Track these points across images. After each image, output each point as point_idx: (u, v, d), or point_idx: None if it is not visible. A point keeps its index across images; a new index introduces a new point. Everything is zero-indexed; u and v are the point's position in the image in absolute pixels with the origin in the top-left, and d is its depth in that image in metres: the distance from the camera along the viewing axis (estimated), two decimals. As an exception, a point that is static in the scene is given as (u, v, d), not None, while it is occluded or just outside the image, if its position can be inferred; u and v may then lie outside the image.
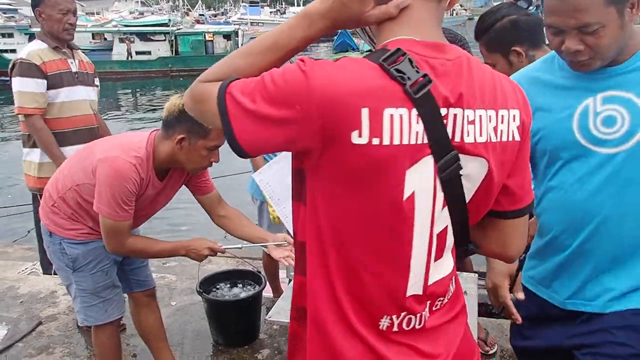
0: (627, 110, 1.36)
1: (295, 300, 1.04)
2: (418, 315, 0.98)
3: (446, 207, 0.95)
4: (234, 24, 34.20)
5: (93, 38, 26.42)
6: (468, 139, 0.92)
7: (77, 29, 3.21)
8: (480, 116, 0.93)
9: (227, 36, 26.59)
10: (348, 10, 0.91)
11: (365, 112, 0.83)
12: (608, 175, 1.39)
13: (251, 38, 33.90)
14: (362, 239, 0.92)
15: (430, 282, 0.98)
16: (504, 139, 0.97)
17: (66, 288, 2.52)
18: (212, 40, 25.78)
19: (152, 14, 34.15)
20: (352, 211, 0.91)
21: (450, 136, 0.91)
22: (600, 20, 1.28)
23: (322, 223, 0.93)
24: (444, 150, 0.90)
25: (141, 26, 27.19)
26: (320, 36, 0.97)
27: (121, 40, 25.45)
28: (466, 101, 0.91)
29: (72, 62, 3.15)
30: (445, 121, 0.90)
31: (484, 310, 2.96)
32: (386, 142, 0.85)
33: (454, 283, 1.05)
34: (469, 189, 0.96)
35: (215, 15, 48.43)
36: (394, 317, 0.96)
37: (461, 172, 0.93)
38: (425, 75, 0.87)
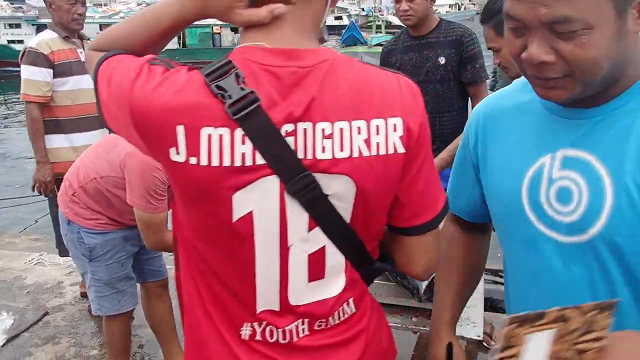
0: (585, 182, 0.90)
1: (178, 290, 1.04)
2: (281, 330, 0.93)
3: (317, 228, 0.88)
4: (241, 17, 34.05)
5: (100, 29, 26.45)
6: (324, 155, 0.83)
7: (85, 21, 3.23)
8: (342, 129, 0.84)
9: (234, 29, 26.50)
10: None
11: (180, 130, 0.80)
12: (555, 277, 0.96)
13: (258, 31, 33.85)
14: (206, 250, 0.91)
15: (299, 302, 0.92)
16: (382, 152, 0.86)
17: (81, 276, 2.54)
18: (219, 33, 25.75)
19: (161, 5, 34.06)
20: (191, 223, 0.90)
21: (302, 154, 0.83)
22: (586, 17, 0.79)
23: (181, 225, 0.94)
24: (292, 170, 0.83)
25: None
26: (194, 20, 0.91)
27: (128, 32, 25.38)
28: (319, 113, 0.83)
29: (81, 52, 3.18)
30: (292, 138, 0.82)
31: (490, 305, 2.95)
32: (204, 162, 0.80)
33: (351, 306, 0.97)
34: (345, 209, 0.88)
35: (222, 8, 48.21)
36: (255, 324, 0.93)
37: (327, 192, 0.85)
38: (251, 92, 0.80)
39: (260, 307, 0.92)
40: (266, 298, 0.91)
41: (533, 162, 0.97)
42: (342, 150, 0.84)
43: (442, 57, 2.59)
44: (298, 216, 0.86)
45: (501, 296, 2.17)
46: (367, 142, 0.85)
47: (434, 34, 2.64)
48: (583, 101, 0.90)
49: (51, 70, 3.03)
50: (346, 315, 0.97)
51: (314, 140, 0.83)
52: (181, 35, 25.34)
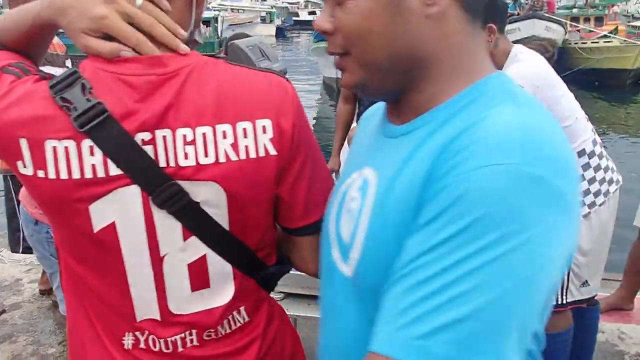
0: (358, 203, 0.77)
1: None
2: (163, 340, 0.91)
3: (194, 237, 0.86)
4: (214, 10, 33.77)
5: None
6: (187, 162, 0.81)
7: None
8: (204, 134, 0.81)
9: (206, 22, 26.10)
10: (69, 15, 0.81)
11: (24, 143, 0.79)
12: (338, 315, 0.83)
13: (230, 25, 33.62)
14: (75, 263, 0.89)
15: (182, 311, 0.90)
16: (252, 155, 0.84)
17: (49, 276, 2.52)
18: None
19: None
20: (58, 237, 0.89)
21: (163, 162, 0.81)
22: None
23: (56, 240, 0.93)
24: (154, 179, 0.81)
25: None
26: (48, 33, 0.90)
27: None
28: (178, 119, 0.81)
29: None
30: (151, 146, 0.80)
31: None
32: (52, 175, 0.79)
33: (243, 314, 0.95)
34: (220, 215, 0.85)
35: (195, 1, 47.83)
36: (137, 333, 0.91)
37: (196, 199, 0.83)
38: (99, 103, 0.78)
39: (140, 316, 0.90)
40: (144, 308, 0.89)
41: (347, 177, 0.85)
42: (206, 155, 0.82)
43: None
44: (169, 226, 0.84)
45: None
46: (235, 146, 0.83)
47: None
48: (400, 115, 0.78)
49: None
50: (238, 324, 0.95)
51: (175, 147, 0.81)
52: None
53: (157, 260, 0.86)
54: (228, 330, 0.94)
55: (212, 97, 0.82)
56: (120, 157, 0.79)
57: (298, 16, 38.45)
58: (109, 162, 0.79)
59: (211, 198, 0.83)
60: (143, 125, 0.79)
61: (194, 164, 0.81)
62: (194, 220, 0.84)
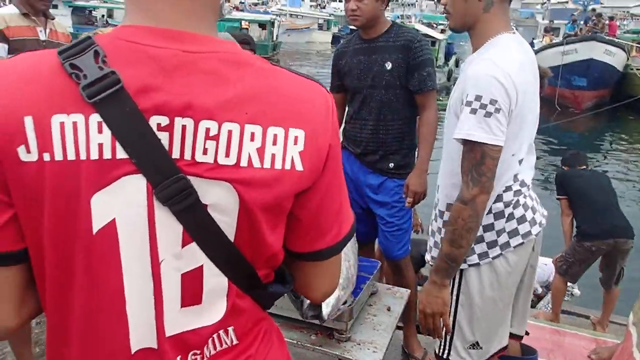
0: None
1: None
2: None
3: (193, 244, 0.74)
4: (273, 14, 34.23)
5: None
6: (204, 158, 0.71)
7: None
8: (230, 131, 0.71)
9: (262, 25, 26.65)
10: None
11: (29, 122, 0.66)
12: None
13: (287, 29, 34.02)
14: (59, 276, 0.73)
15: (173, 332, 0.78)
16: (277, 165, 0.73)
17: None
18: (247, 28, 25.81)
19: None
20: (33, 238, 0.73)
21: (177, 153, 0.70)
22: None
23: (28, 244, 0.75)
24: (162, 170, 0.70)
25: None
26: None
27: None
28: (204, 109, 0.70)
29: (40, 31, 3.10)
30: (166, 134, 0.69)
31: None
32: (58, 157, 0.67)
33: (231, 335, 0.83)
34: (227, 223, 0.75)
35: (255, 5, 48.60)
36: None
37: (205, 201, 0.72)
38: (112, 73, 0.67)
39: (135, 346, 0.76)
40: (141, 333, 0.76)
41: None
42: (227, 155, 0.71)
43: (388, 62, 2.43)
44: (169, 227, 0.72)
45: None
46: (260, 151, 0.72)
47: (383, 37, 2.49)
48: None
49: (6, 46, 2.96)
50: (224, 346, 0.82)
51: (194, 140, 0.70)
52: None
53: (156, 269, 0.74)
54: (213, 352, 0.82)
55: (247, 92, 0.72)
56: (129, 138, 0.68)
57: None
58: (117, 144, 0.68)
59: (222, 203, 0.73)
60: (161, 108, 0.69)
61: (211, 161, 0.71)
62: (198, 225, 0.73)
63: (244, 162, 0.72)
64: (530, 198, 1.70)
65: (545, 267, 4.46)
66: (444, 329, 1.69)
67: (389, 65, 2.43)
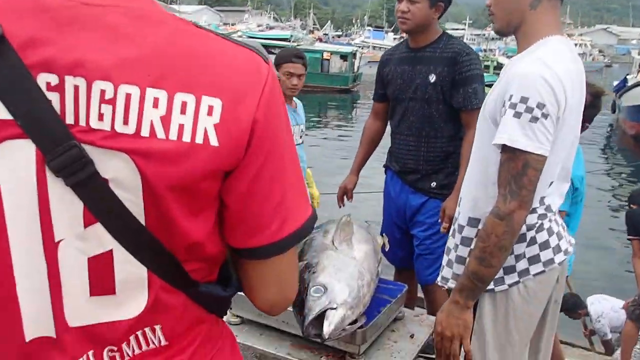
0: None
1: None
2: None
3: (98, 224, 0.66)
4: (356, 46, 34.70)
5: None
6: (99, 124, 0.62)
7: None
8: (129, 95, 0.62)
9: (344, 57, 27.01)
10: None
11: None
12: None
13: (369, 61, 34.31)
14: None
15: (78, 322, 0.69)
16: (185, 138, 0.64)
17: None
18: (328, 60, 26.29)
19: (282, 29, 35.58)
20: None
21: (71, 118, 0.62)
22: None
23: None
24: (53, 135, 0.62)
25: (263, 39, 28.51)
26: None
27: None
28: (98, 68, 0.62)
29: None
30: (56, 94, 0.62)
31: None
32: None
33: (158, 335, 0.74)
34: (134, 203, 0.66)
35: (339, 36, 49.51)
36: None
37: (105, 174, 0.64)
38: None
39: (30, 334, 0.69)
40: (36, 319, 0.68)
41: None
42: (126, 123, 0.63)
43: (432, 75, 2.30)
44: (69, 203, 0.65)
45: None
46: (165, 120, 0.64)
47: (430, 47, 2.35)
48: None
49: None
50: (151, 346, 0.74)
51: (88, 103, 0.62)
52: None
53: (50, 248, 0.67)
54: (137, 352, 0.73)
55: (152, 52, 0.64)
56: (13, 96, 0.61)
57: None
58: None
59: (122, 178, 0.64)
60: (49, 64, 0.61)
61: (108, 129, 0.63)
62: (100, 202, 0.65)
63: (145, 132, 0.63)
64: (555, 223, 1.53)
65: (621, 310, 4.08)
66: (465, 356, 1.52)
67: (432, 78, 2.30)
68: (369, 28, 48.11)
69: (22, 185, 0.64)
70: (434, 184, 2.40)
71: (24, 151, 0.63)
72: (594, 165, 10.15)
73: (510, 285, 1.48)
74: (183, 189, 0.67)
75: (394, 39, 48.96)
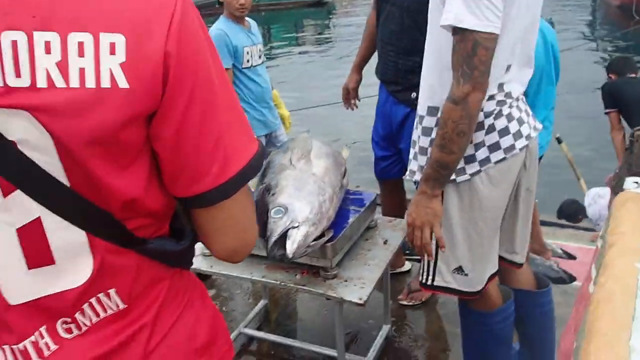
0: None
1: None
2: (10, 350, 0.68)
3: (18, 192, 0.61)
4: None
5: None
6: None
7: None
8: (15, 42, 0.56)
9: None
10: None
11: None
12: None
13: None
14: None
15: (23, 299, 0.66)
16: (89, 84, 0.58)
17: None
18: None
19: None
20: None
21: None
22: None
23: None
24: None
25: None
26: None
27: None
28: None
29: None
30: None
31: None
32: None
33: (115, 299, 0.70)
34: (52, 164, 0.61)
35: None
36: None
37: (11, 136, 0.58)
38: None
39: None
40: None
41: None
42: (18, 75, 0.56)
43: None
44: None
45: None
46: (62, 66, 0.57)
47: None
48: None
49: None
50: (109, 312, 0.70)
51: None
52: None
53: None
54: (95, 320, 0.70)
55: None
56: None
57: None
58: None
59: (30, 138, 0.59)
60: None
61: (0, 84, 0.57)
62: (12, 167, 0.60)
63: (41, 82, 0.57)
64: (517, 109, 1.48)
65: (600, 199, 4.09)
66: (435, 246, 1.53)
67: None
68: None
69: None
70: (414, 95, 2.16)
71: None
72: (579, 43, 9.93)
73: (472, 175, 1.46)
74: (100, 142, 0.61)
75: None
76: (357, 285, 1.69)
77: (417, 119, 1.57)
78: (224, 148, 0.67)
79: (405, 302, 2.48)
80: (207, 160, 0.67)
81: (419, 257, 2.59)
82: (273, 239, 1.51)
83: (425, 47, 1.53)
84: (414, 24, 2.07)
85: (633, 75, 3.58)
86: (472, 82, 1.30)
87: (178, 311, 0.76)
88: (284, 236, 1.52)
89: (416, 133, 1.58)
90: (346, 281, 1.72)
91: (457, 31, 1.30)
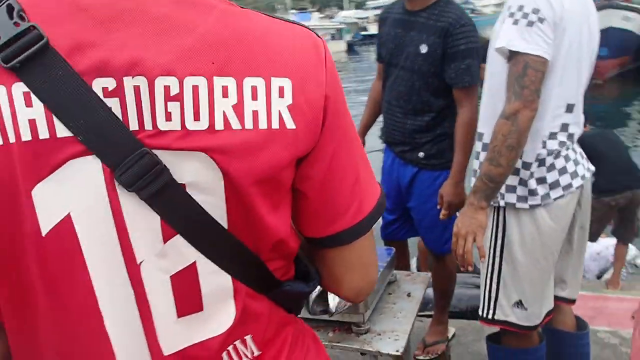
0: None
1: None
2: None
3: (178, 237, 0.61)
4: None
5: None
6: (168, 125, 0.57)
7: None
8: (196, 87, 0.57)
9: None
10: None
11: None
12: None
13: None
14: (13, 304, 0.63)
15: (174, 349, 0.65)
16: (262, 125, 0.59)
17: None
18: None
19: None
20: None
21: (135, 124, 0.57)
22: None
23: None
24: (120, 146, 0.56)
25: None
26: None
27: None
28: (157, 63, 0.56)
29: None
30: (116, 99, 0.56)
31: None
32: None
33: (250, 346, 0.69)
34: (216, 206, 0.61)
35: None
36: None
37: (180, 180, 0.59)
38: (33, 27, 0.54)
39: None
40: (130, 353, 0.63)
41: None
42: (197, 119, 0.57)
43: (424, 45, 2.10)
44: (143, 219, 0.59)
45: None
46: (238, 109, 0.58)
47: (426, 12, 2.12)
48: None
49: None
50: (244, 359, 0.69)
51: (153, 104, 0.56)
52: None
53: (134, 272, 0.60)
54: None
55: (211, 38, 0.58)
56: (69, 110, 0.55)
57: (367, 30, 38.38)
58: (55, 119, 0.55)
59: (202, 180, 0.59)
60: (103, 68, 0.55)
61: (178, 128, 0.57)
62: (179, 212, 0.60)
63: (219, 125, 0.58)
64: (573, 151, 1.63)
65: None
66: (497, 280, 1.63)
67: (424, 49, 2.11)
68: (294, 11, 47.85)
69: (94, 208, 0.58)
70: (421, 154, 2.29)
71: (90, 169, 0.57)
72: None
73: (531, 207, 1.58)
74: (267, 181, 0.62)
75: (320, 17, 48.96)
76: (392, 337, 1.72)
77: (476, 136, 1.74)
78: (359, 187, 0.70)
79: (421, 358, 2.50)
80: (347, 199, 0.69)
81: (430, 313, 2.66)
82: (314, 295, 1.54)
83: (483, 98, 1.70)
84: (425, 85, 2.17)
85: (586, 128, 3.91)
86: (522, 100, 1.45)
87: (302, 355, 0.77)
88: (323, 292, 1.55)
89: (478, 145, 1.72)
90: (379, 335, 1.74)
91: (510, 55, 1.47)
